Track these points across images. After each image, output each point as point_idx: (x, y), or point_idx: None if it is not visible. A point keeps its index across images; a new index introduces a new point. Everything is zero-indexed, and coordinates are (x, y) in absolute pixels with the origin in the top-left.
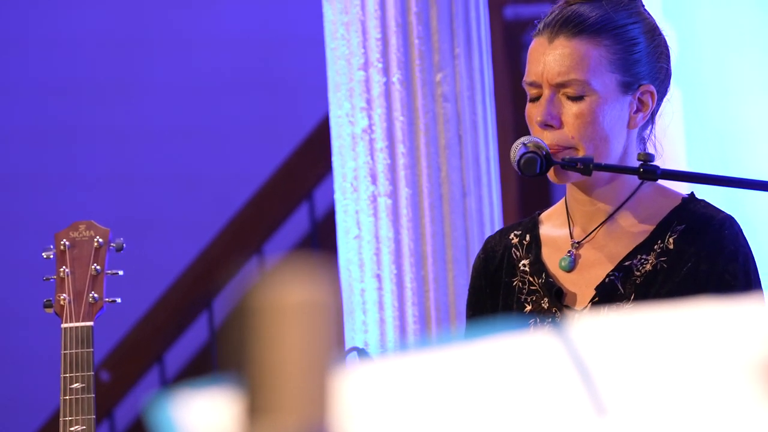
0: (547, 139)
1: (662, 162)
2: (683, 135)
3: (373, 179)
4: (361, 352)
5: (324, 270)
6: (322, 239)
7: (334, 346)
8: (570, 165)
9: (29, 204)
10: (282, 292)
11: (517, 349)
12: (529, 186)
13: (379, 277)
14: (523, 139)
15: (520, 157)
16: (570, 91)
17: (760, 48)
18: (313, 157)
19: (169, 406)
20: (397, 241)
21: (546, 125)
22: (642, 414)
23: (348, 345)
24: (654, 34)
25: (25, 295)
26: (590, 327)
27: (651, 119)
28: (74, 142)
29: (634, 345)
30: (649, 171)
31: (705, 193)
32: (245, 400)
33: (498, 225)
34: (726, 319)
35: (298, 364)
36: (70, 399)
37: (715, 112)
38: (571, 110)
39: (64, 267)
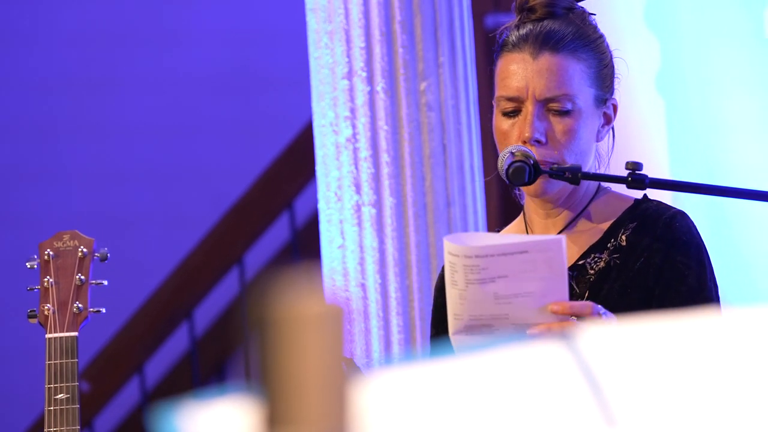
0: (534, 154)
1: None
2: (666, 143)
3: (357, 188)
4: (348, 363)
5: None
6: (302, 248)
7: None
8: (558, 174)
9: (10, 202)
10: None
11: (527, 359)
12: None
13: (363, 286)
14: (510, 148)
15: (509, 166)
16: (557, 106)
17: (743, 55)
18: (293, 167)
19: (177, 418)
20: (382, 251)
21: (535, 141)
22: (652, 425)
23: None
24: (609, 48)
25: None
26: (599, 337)
27: (612, 133)
28: (54, 139)
29: (642, 354)
30: (637, 180)
31: (687, 197)
32: (263, 411)
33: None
34: (732, 329)
35: (317, 374)
36: (54, 410)
37: (698, 120)
38: (557, 126)
39: (48, 277)
